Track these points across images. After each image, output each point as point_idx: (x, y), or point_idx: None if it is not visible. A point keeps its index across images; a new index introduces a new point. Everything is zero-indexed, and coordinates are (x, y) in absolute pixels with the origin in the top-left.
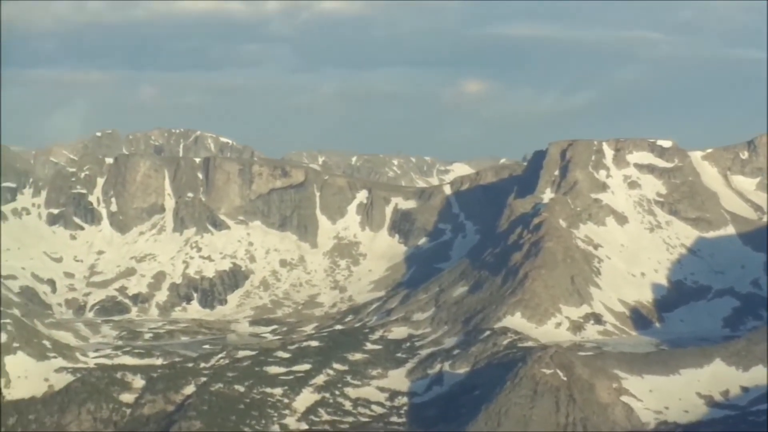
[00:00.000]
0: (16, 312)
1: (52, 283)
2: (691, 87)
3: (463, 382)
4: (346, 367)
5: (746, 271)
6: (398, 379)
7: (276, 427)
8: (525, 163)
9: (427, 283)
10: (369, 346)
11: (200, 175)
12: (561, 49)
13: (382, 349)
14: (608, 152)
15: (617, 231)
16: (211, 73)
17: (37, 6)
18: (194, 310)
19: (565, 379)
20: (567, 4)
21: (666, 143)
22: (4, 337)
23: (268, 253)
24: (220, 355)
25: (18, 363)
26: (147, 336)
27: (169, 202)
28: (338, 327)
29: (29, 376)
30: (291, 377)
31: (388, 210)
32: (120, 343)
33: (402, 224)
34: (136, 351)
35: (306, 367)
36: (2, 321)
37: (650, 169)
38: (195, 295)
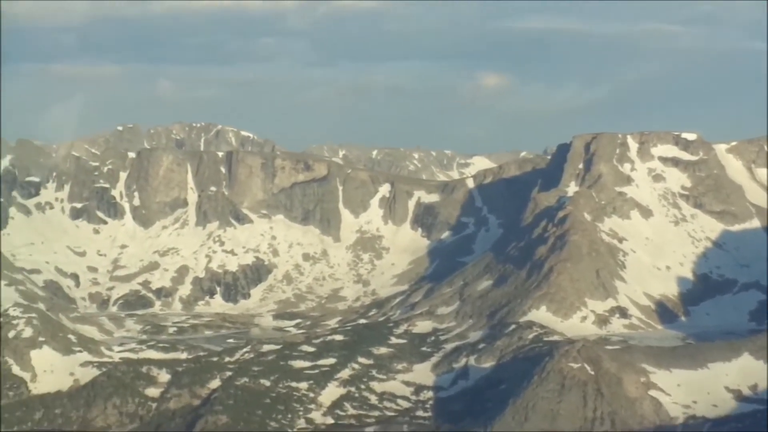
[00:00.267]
0: (41, 306)
1: (75, 277)
2: (713, 80)
3: (489, 376)
4: (371, 361)
5: None
6: (423, 373)
7: (302, 421)
8: (549, 157)
9: (451, 276)
10: (394, 340)
11: (223, 169)
12: (578, 43)
13: (406, 343)
14: (632, 145)
15: (642, 224)
16: (228, 67)
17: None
18: (217, 304)
19: (592, 373)
20: None
21: (690, 136)
22: (29, 332)
23: (291, 247)
24: (244, 350)
25: (44, 357)
26: (171, 330)
27: (192, 196)
28: (362, 321)
29: (55, 371)
30: (316, 371)
31: (411, 204)
32: (144, 337)
33: (425, 218)
34: (161, 345)
35: (331, 361)
36: (28, 315)
37: (675, 162)
38: (218, 289)
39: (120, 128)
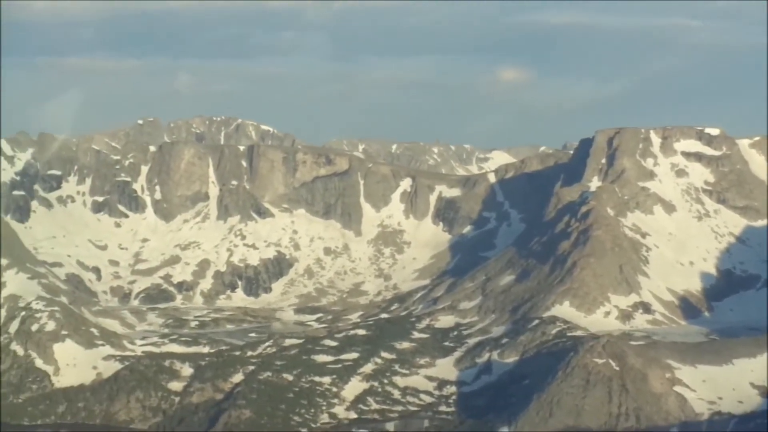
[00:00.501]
0: (64, 300)
1: (97, 270)
2: (734, 75)
3: (512, 371)
4: (393, 356)
5: None
6: (446, 368)
7: (325, 416)
8: (570, 152)
9: (473, 271)
10: (416, 334)
11: (244, 163)
12: (597, 38)
13: (429, 337)
14: (655, 140)
15: (665, 219)
16: (247, 61)
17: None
18: (239, 298)
19: (617, 368)
20: None
21: (714, 131)
22: (52, 325)
23: (313, 241)
24: (267, 344)
25: (67, 350)
26: (193, 324)
27: (213, 190)
28: (384, 315)
29: (78, 364)
30: (339, 366)
31: (432, 198)
32: (166, 331)
33: (446, 212)
34: (183, 339)
35: (354, 355)
36: (51, 309)
37: (698, 157)
38: (239, 283)
39: (140, 122)
